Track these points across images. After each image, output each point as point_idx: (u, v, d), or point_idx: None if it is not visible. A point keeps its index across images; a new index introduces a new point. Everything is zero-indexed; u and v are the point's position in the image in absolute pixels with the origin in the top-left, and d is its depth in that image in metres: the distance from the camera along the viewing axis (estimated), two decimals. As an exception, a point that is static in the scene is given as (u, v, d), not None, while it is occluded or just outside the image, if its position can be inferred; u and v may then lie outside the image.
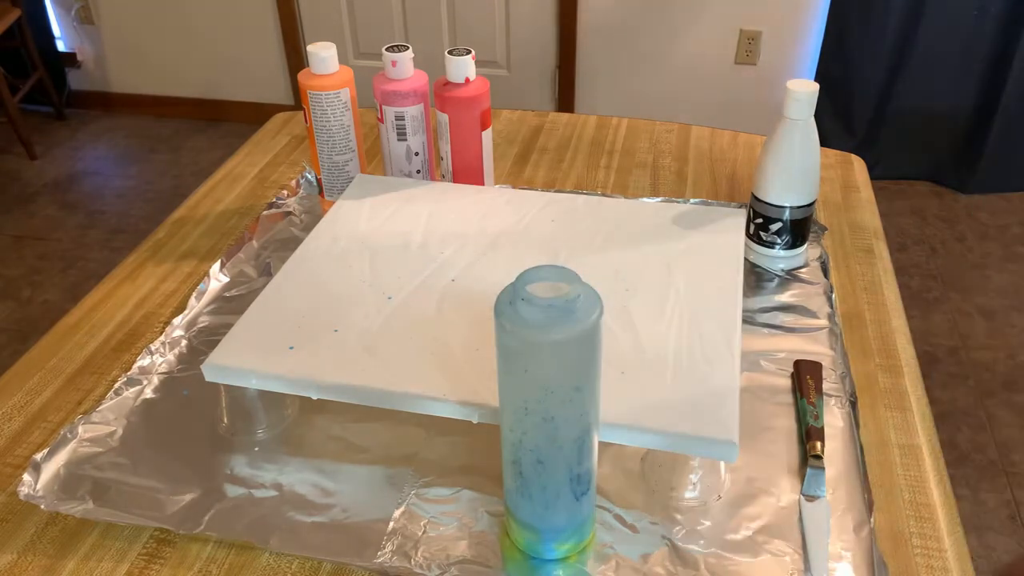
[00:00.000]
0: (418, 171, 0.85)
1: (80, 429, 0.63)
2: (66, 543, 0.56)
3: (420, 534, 0.55)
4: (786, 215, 0.77)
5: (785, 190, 0.75)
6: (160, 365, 0.69)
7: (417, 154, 0.84)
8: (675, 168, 0.98)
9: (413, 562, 0.53)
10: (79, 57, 3.17)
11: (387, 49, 0.80)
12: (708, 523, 0.55)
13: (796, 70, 2.55)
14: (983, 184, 2.38)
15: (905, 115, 2.37)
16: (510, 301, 0.43)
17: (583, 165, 0.99)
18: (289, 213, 0.89)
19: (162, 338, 0.71)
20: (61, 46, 3.16)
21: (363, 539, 0.55)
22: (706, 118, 2.59)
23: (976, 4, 2.23)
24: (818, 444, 0.59)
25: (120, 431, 0.63)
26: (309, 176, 0.94)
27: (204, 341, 0.71)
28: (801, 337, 0.70)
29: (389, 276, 0.67)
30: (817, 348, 0.69)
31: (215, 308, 0.76)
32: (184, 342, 0.72)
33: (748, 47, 2.52)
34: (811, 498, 0.56)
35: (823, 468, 0.58)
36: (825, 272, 0.78)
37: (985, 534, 1.45)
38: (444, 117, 0.80)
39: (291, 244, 0.84)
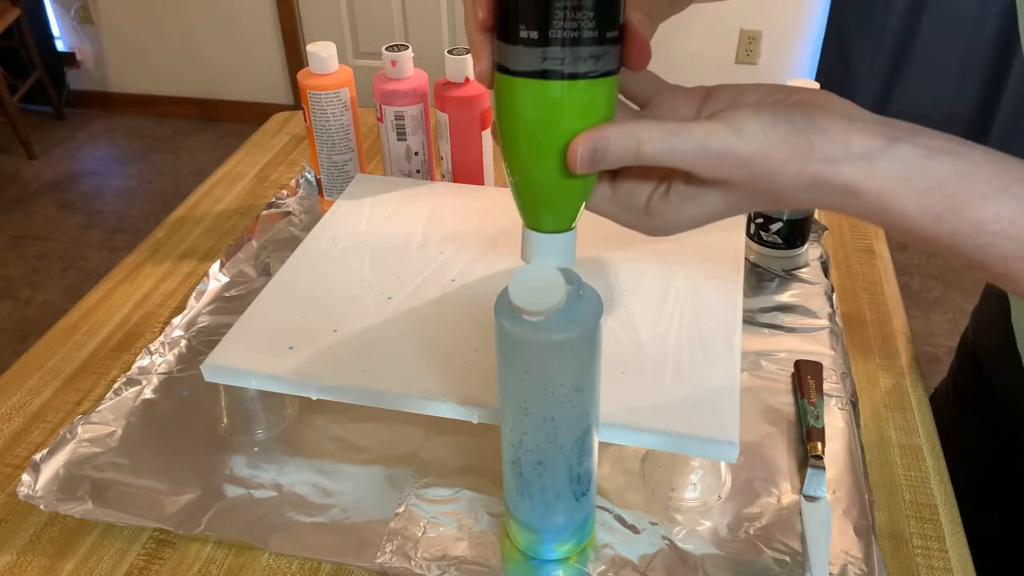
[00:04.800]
0: (418, 171, 0.85)
1: (79, 429, 0.62)
2: (65, 543, 0.56)
3: (420, 534, 0.55)
4: (786, 215, 0.77)
5: (785, 190, 0.75)
6: (160, 365, 0.69)
7: (417, 154, 0.84)
8: (675, 168, 0.98)
9: (413, 562, 0.53)
10: (78, 57, 3.17)
11: (387, 49, 0.80)
12: (708, 523, 0.55)
13: (796, 70, 2.55)
14: (983, 184, 2.38)
15: (905, 115, 2.35)
16: (510, 301, 0.42)
17: (583, 165, 0.99)
18: (289, 213, 0.89)
19: (161, 338, 0.71)
20: (60, 46, 3.16)
21: (363, 539, 0.55)
22: (706, 118, 2.59)
23: (976, 4, 2.23)
24: (818, 444, 0.59)
25: (119, 431, 0.63)
26: (309, 176, 0.94)
27: (204, 341, 0.71)
28: (801, 337, 0.70)
29: (389, 276, 0.67)
30: (817, 348, 0.69)
31: (215, 308, 0.75)
32: (184, 342, 0.71)
33: (748, 47, 2.52)
34: (811, 499, 0.56)
35: (823, 468, 0.58)
36: (825, 272, 0.78)
37: (985, 534, 1.44)
38: (444, 117, 0.80)
39: (291, 244, 0.83)
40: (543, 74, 0.37)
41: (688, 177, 0.39)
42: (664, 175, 0.40)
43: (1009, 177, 0.35)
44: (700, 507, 0.56)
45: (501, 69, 0.38)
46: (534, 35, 0.36)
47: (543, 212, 0.42)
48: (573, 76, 0.37)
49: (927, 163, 0.35)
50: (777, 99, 0.39)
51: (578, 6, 0.35)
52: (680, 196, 0.39)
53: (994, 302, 0.70)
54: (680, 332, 0.60)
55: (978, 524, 0.58)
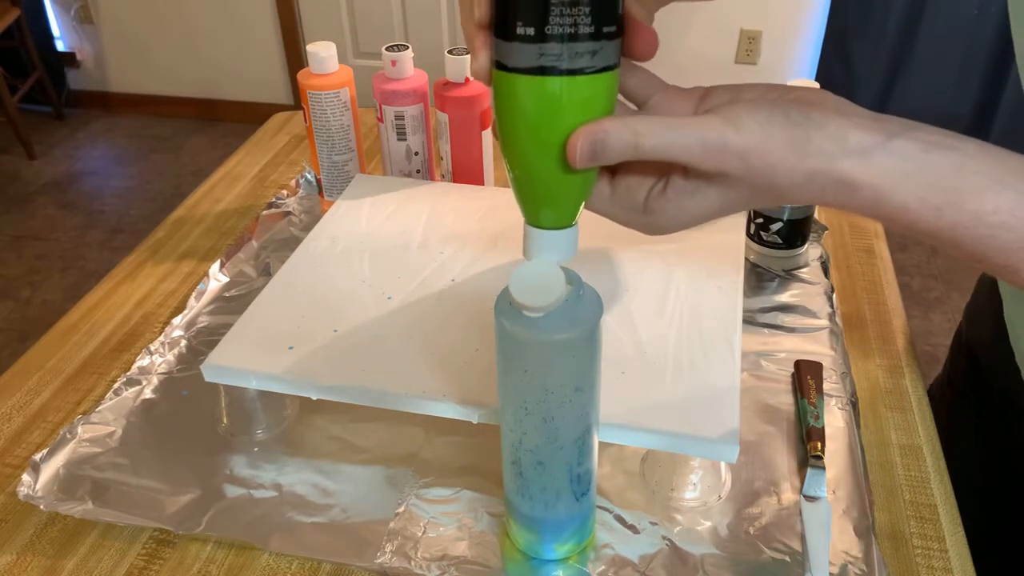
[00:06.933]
0: (418, 171, 0.85)
1: (79, 429, 0.62)
2: (65, 543, 0.56)
3: (420, 534, 0.55)
4: (786, 215, 0.77)
5: (785, 190, 0.75)
6: (160, 365, 0.69)
7: (417, 154, 0.84)
8: (675, 168, 0.98)
9: (413, 562, 0.53)
10: (78, 57, 3.17)
11: (387, 49, 0.80)
12: (708, 523, 0.55)
13: (796, 70, 2.55)
14: (983, 184, 2.38)
15: (905, 115, 2.36)
16: (510, 301, 0.42)
17: (583, 165, 0.99)
18: (289, 213, 0.89)
19: (161, 338, 0.71)
20: (60, 46, 3.16)
21: (363, 539, 0.55)
22: (706, 118, 2.58)
23: (976, 4, 2.23)
24: (819, 444, 0.59)
25: (119, 431, 0.63)
26: (309, 176, 0.94)
27: (204, 341, 0.71)
28: (801, 337, 0.70)
29: (389, 276, 0.67)
30: (817, 348, 0.69)
31: (215, 308, 0.75)
32: (184, 342, 0.71)
33: (748, 47, 2.52)
34: (811, 499, 0.56)
35: (823, 468, 0.58)
36: (825, 272, 0.78)
37: (985, 534, 1.44)
38: (444, 117, 0.80)
39: (291, 244, 0.83)
40: (541, 70, 0.37)
41: (686, 172, 0.39)
42: (663, 171, 0.40)
43: (1005, 169, 0.35)
44: (700, 507, 0.56)
45: (499, 66, 0.38)
46: (531, 31, 0.36)
47: (544, 209, 0.42)
48: (571, 72, 0.37)
49: (925, 157, 0.35)
50: (774, 96, 0.39)
51: (574, 2, 0.35)
52: (679, 192, 0.39)
53: (986, 297, 0.70)
54: (680, 332, 0.60)
55: (978, 524, 0.58)
